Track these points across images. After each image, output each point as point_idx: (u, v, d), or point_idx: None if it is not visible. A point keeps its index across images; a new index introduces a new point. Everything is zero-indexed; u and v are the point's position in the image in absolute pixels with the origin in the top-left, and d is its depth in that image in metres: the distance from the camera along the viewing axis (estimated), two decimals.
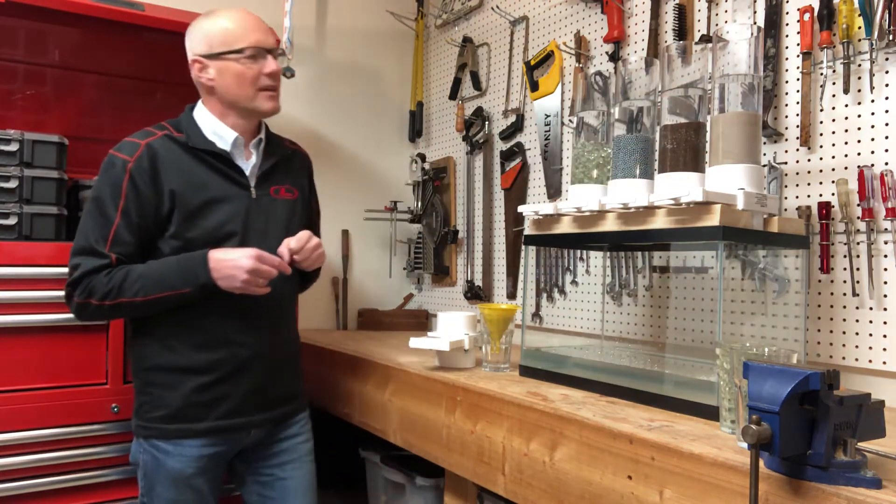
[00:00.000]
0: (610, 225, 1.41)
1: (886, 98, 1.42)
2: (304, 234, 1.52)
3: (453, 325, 1.73)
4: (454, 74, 2.71)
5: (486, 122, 2.55)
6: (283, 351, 1.61)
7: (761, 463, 0.90)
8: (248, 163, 1.55)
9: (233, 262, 1.40)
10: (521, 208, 1.61)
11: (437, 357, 1.73)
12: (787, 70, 1.59)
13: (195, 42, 1.51)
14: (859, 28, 1.43)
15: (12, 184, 1.79)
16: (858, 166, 1.43)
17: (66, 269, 1.75)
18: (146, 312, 1.45)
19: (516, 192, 2.40)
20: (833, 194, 1.49)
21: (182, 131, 1.50)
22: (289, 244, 1.49)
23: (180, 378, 1.47)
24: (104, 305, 1.40)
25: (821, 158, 1.52)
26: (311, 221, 1.71)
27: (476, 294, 2.54)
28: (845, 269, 1.47)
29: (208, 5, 2.33)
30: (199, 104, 1.55)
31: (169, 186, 1.44)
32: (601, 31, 2.08)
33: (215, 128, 1.51)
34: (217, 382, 1.48)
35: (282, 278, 1.49)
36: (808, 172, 1.54)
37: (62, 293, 1.75)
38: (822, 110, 1.52)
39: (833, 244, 1.49)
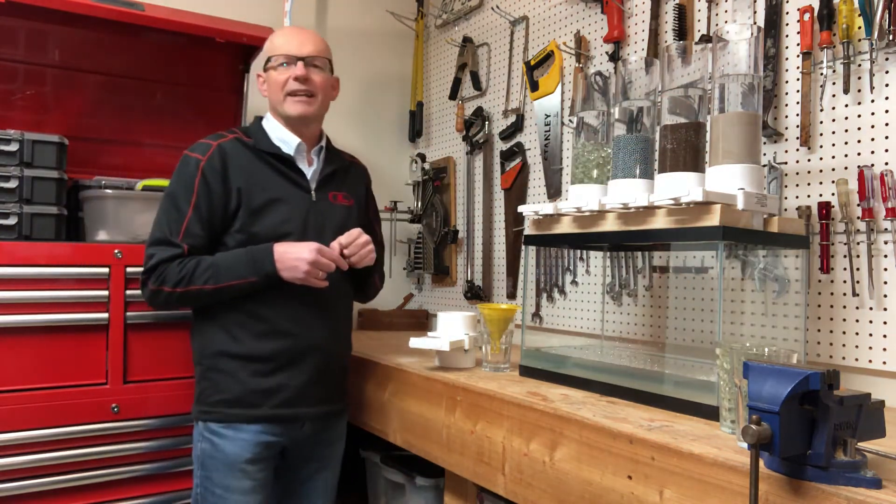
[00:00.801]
0: (610, 225, 1.41)
1: (886, 98, 1.42)
2: (354, 231, 1.61)
3: (453, 325, 1.73)
4: (454, 74, 2.71)
5: (486, 122, 2.55)
6: (336, 348, 1.69)
7: (761, 463, 0.90)
8: (310, 168, 1.67)
9: (296, 255, 1.51)
10: (521, 208, 1.61)
11: (437, 357, 1.73)
12: (787, 70, 1.59)
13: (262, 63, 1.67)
14: (859, 28, 1.43)
15: (12, 184, 1.79)
16: (858, 166, 1.43)
17: (65, 270, 1.78)
18: (213, 300, 1.54)
19: (516, 192, 2.40)
20: (833, 194, 1.49)
21: (251, 136, 1.63)
22: (339, 240, 1.58)
23: (242, 365, 1.55)
24: (175, 292, 1.50)
25: (821, 158, 1.52)
26: (369, 229, 1.74)
27: (476, 294, 2.54)
28: (845, 269, 1.47)
29: (208, 5, 2.34)
30: (267, 114, 1.68)
31: (236, 185, 1.55)
32: (601, 31, 2.08)
33: (281, 134, 1.64)
34: (275, 371, 1.57)
35: (337, 276, 1.60)
36: (808, 172, 1.54)
37: (62, 293, 1.77)
38: (822, 110, 1.52)
39: (833, 244, 1.49)
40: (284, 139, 1.63)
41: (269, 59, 1.63)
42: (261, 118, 1.69)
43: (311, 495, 1.68)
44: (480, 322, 1.71)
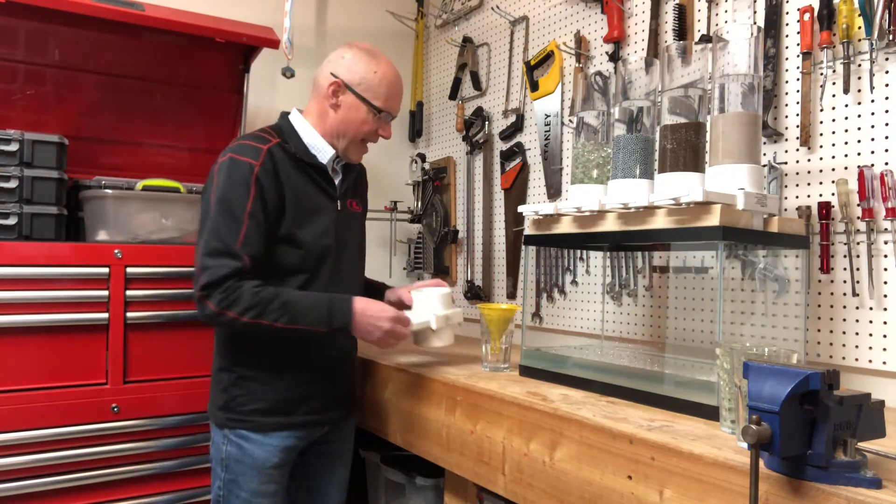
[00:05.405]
0: (610, 225, 1.41)
1: (886, 98, 1.42)
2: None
3: (426, 303, 1.67)
4: (454, 74, 2.71)
5: (486, 122, 2.55)
6: (354, 351, 1.73)
7: (761, 463, 0.90)
8: (336, 177, 1.63)
9: (375, 319, 1.49)
10: (521, 208, 1.61)
11: (412, 336, 1.69)
12: (787, 70, 1.59)
13: (344, 68, 1.56)
14: (859, 28, 1.43)
15: (12, 184, 1.79)
16: (858, 166, 1.43)
17: (65, 270, 1.78)
18: (272, 336, 1.48)
19: (516, 192, 2.40)
20: (833, 194, 1.49)
21: (287, 141, 1.55)
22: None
23: (278, 374, 1.54)
24: (240, 320, 1.40)
25: (821, 158, 1.52)
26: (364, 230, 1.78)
27: (476, 294, 2.54)
28: (845, 269, 1.47)
29: (208, 5, 2.34)
30: (298, 115, 1.61)
31: (286, 192, 1.50)
32: (601, 31, 2.08)
33: (315, 142, 1.58)
34: (311, 380, 1.57)
35: (354, 282, 1.66)
36: (808, 172, 1.54)
37: (62, 293, 1.77)
38: (822, 110, 1.52)
39: (833, 244, 1.49)
40: (319, 147, 1.58)
41: (365, 93, 1.55)
42: (287, 114, 1.62)
43: (330, 491, 1.70)
44: (481, 322, 1.71)
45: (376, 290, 1.78)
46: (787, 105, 1.59)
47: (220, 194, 1.44)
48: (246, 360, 1.54)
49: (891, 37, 1.38)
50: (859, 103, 1.46)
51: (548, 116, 2.26)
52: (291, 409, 1.54)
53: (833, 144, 1.50)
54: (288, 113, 1.63)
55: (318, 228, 1.54)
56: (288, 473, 1.60)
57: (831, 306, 1.50)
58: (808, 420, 0.86)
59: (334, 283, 1.56)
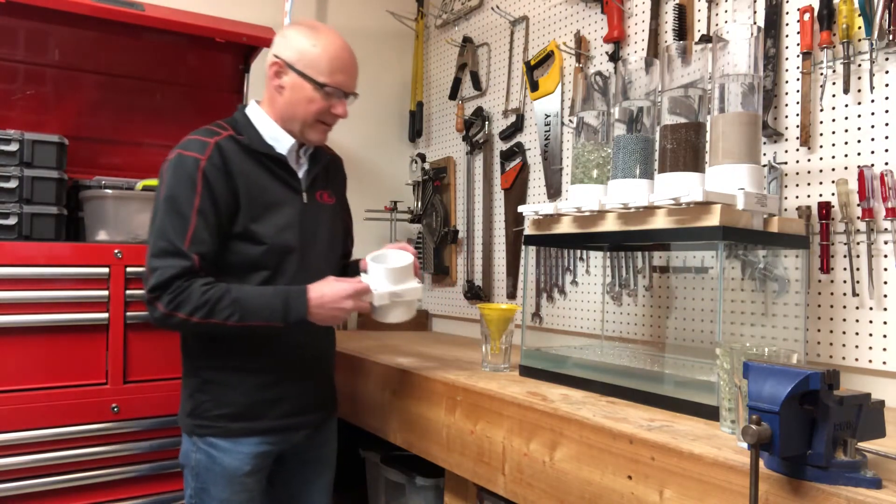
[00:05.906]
0: (610, 225, 1.41)
1: (886, 98, 1.42)
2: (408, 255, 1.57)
3: (375, 277, 1.51)
4: (454, 74, 2.71)
5: (486, 122, 2.55)
6: (332, 350, 1.67)
7: (761, 463, 0.90)
8: (301, 167, 1.55)
9: (335, 304, 1.42)
10: (521, 208, 1.61)
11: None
12: (787, 70, 1.59)
13: (284, 46, 1.48)
14: (859, 28, 1.44)
15: (12, 184, 1.79)
16: (858, 166, 1.43)
17: (65, 270, 1.78)
18: (226, 334, 1.42)
19: (516, 192, 2.40)
20: (833, 194, 1.49)
21: (241, 133, 1.48)
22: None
23: (244, 377, 1.47)
24: (190, 321, 1.34)
25: (821, 158, 1.52)
26: (347, 225, 1.71)
27: (476, 294, 2.54)
28: (845, 269, 1.47)
29: (208, 5, 2.34)
30: (255, 106, 1.53)
31: (237, 187, 1.43)
32: (601, 31, 2.08)
33: (273, 132, 1.50)
34: (280, 382, 1.50)
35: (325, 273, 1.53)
36: (808, 172, 1.54)
37: (62, 293, 1.77)
38: (822, 110, 1.52)
39: (833, 244, 1.49)
40: (277, 138, 1.50)
41: (307, 69, 1.45)
42: (244, 106, 1.54)
43: (315, 496, 1.65)
44: (481, 322, 1.71)
45: (350, 273, 1.66)
46: (787, 105, 1.59)
47: (167, 192, 1.39)
48: (210, 363, 1.47)
49: (891, 37, 1.38)
50: (859, 103, 1.46)
51: (548, 116, 2.26)
52: (261, 413, 1.47)
53: (833, 144, 1.50)
54: (245, 105, 1.55)
55: (279, 222, 1.46)
56: (264, 480, 1.53)
57: (831, 306, 1.50)
58: (808, 420, 0.86)
59: (299, 279, 1.46)
